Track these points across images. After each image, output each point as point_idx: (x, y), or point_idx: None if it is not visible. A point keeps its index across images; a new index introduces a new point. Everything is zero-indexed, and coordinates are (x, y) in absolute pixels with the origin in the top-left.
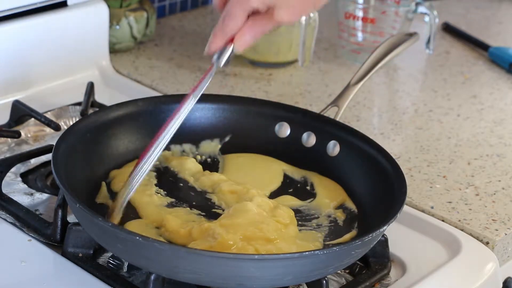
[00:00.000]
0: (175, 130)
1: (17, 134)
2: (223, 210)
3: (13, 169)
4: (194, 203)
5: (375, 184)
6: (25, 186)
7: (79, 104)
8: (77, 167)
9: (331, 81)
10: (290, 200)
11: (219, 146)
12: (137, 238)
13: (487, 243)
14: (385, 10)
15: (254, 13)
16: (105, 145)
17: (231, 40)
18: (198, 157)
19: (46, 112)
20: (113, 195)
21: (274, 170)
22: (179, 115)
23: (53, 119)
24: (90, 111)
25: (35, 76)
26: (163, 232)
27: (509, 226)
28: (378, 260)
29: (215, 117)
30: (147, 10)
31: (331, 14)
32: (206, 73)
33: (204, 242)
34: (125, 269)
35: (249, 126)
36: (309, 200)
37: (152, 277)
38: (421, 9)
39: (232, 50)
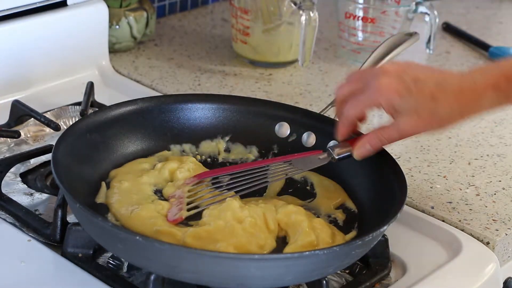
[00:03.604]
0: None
1: (17, 134)
2: None
3: (12, 169)
4: None
5: (375, 184)
6: (25, 186)
7: (78, 104)
8: (77, 167)
9: (331, 81)
10: (291, 200)
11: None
12: (137, 238)
13: (487, 243)
14: (385, 10)
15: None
16: (105, 145)
17: (352, 144)
18: (198, 157)
19: (45, 112)
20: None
21: None
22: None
23: (53, 119)
24: (90, 111)
25: (34, 76)
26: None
27: (510, 226)
28: (378, 260)
29: (215, 117)
30: (147, 10)
31: (331, 14)
32: (314, 152)
33: None
34: (125, 269)
35: (249, 126)
36: (309, 200)
37: (152, 277)
38: (422, 9)
39: (350, 155)
